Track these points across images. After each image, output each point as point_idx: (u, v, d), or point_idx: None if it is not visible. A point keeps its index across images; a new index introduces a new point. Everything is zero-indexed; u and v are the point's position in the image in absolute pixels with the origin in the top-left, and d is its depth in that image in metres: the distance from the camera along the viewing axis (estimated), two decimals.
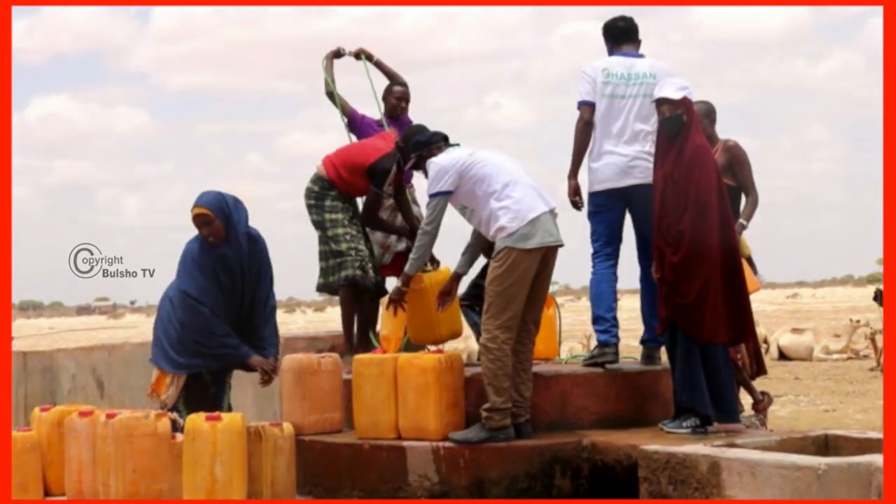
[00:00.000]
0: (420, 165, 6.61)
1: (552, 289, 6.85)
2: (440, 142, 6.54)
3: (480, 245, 6.57)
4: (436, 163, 6.34)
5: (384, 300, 7.08)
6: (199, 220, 6.48)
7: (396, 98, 8.16)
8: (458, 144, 6.55)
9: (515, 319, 6.14)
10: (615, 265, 6.80)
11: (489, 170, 6.26)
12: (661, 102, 6.15)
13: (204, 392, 6.67)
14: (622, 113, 6.70)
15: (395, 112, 8.14)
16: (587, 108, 6.76)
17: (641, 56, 6.87)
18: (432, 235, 6.43)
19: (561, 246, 6.30)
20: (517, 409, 6.22)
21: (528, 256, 6.12)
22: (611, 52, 6.94)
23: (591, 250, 6.82)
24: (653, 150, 6.44)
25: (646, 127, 6.63)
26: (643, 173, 6.58)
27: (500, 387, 6.08)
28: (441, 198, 6.32)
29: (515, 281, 6.10)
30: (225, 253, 6.50)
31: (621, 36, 6.93)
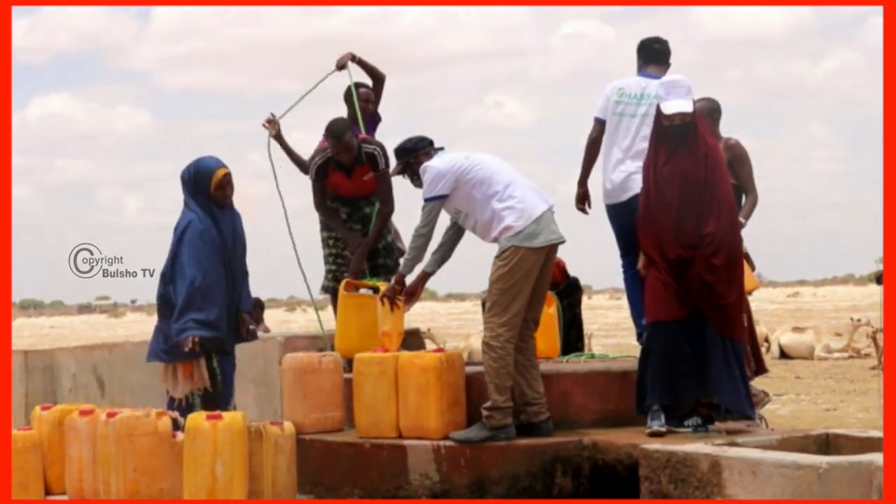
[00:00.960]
0: (406, 172, 6.59)
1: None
2: (427, 147, 6.53)
3: (453, 246, 6.57)
4: (432, 167, 6.33)
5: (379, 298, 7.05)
6: (226, 178, 6.54)
7: (362, 101, 8.07)
8: (442, 148, 6.54)
9: (519, 317, 6.15)
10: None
11: (487, 172, 6.27)
12: (675, 116, 6.08)
13: (214, 386, 6.63)
14: (630, 131, 6.93)
15: (362, 115, 8.03)
16: (597, 125, 7.09)
17: (658, 77, 6.99)
18: (427, 238, 6.44)
19: (563, 242, 6.34)
20: (536, 408, 6.23)
21: (533, 255, 6.14)
22: (639, 70, 7.21)
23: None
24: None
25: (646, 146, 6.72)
26: (638, 185, 6.71)
27: (503, 385, 6.09)
28: (437, 202, 6.33)
29: (520, 279, 6.11)
30: (228, 215, 6.57)
31: (652, 57, 7.22)
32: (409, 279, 6.72)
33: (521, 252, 6.11)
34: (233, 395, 6.71)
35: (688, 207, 6.03)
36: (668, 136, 6.11)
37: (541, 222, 6.17)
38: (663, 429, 5.98)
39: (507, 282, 6.11)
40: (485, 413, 6.12)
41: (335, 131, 7.31)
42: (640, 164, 6.75)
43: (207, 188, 6.52)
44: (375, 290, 7.26)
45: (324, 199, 7.63)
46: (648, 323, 6.21)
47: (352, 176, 7.50)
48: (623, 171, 6.92)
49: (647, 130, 6.72)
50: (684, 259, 6.02)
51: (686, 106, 6.07)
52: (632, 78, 7.15)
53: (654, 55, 7.20)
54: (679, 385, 6.08)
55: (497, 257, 6.18)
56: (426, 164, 6.38)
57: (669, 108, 6.08)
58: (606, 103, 7.03)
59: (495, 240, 6.25)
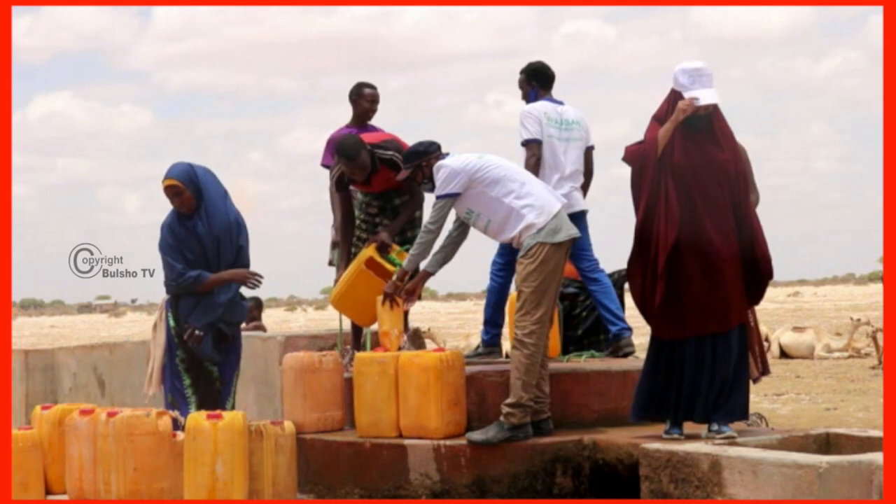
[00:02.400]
0: (416, 176, 6.59)
1: None
2: (438, 151, 6.56)
3: (455, 248, 6.57)
4: (446, 165, 6.37)
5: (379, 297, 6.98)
6: (169, 191, 6.59)
7: (369, 101, 7.83)
8: (448, 153, 6.56)
9: (549, 314, 6.21)
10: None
11: (502, 172, 6.32)
12: (704, 108, 5.82)
13: (210, 386, 6.64)
14: (557, 155, 7.20)
15: (368, 116, 7.85)
16: (537, 145, 7.23)
17: (562, 103, 7.42)
18: (435, 235, 6.48)
19: (579, 237, 6.44)
20: (540, 406, 6.24)
21: (557, 250, 6.19)
22: (536, 96, 7.43)
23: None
24: (577, 184, 7.23)
25: (577, 167, 7.30)
26: (580, 201, 7.27)
27: (530, 383, 6.10)
28: (448, 199, 6.36)
29: (548, 275, 6.16)
30: (195, 226, 6.55)
31: (549, 82, 7.50)
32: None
33: (546, 248, 6.15)
34: (230, 396, 6.69)
35: (726, 195, 5.82)
36: (686, 126, 5.85)
37: (559, 218, 6.24)
38: (683, 437, 5.81)
39: (536, 279, 6.13)
40: (505, 410, 6.10)
41: (348, 154, 6.95)
42: (574, 183, 7.21)
43: None
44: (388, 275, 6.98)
45: (348, 211, 7.38)
46: (655, 336, 5.95)
47: (371, 184, 7.20)
48: (568, 188, 7.14)
49: (572, 154, 7.21)
50: (714, 251, 5.75)
51: (715, 97, 5.84)
52: (544, 103, 7.33)
53: (549, 81, 7.47)
54: (683, 406, 5.88)
55: (523, 256, 6.19)
56: (440, 162, 6.42)
57: (705, 97, 5.80)
58: (540, 126, 7.20)
59: (512, 240, 6.28)
